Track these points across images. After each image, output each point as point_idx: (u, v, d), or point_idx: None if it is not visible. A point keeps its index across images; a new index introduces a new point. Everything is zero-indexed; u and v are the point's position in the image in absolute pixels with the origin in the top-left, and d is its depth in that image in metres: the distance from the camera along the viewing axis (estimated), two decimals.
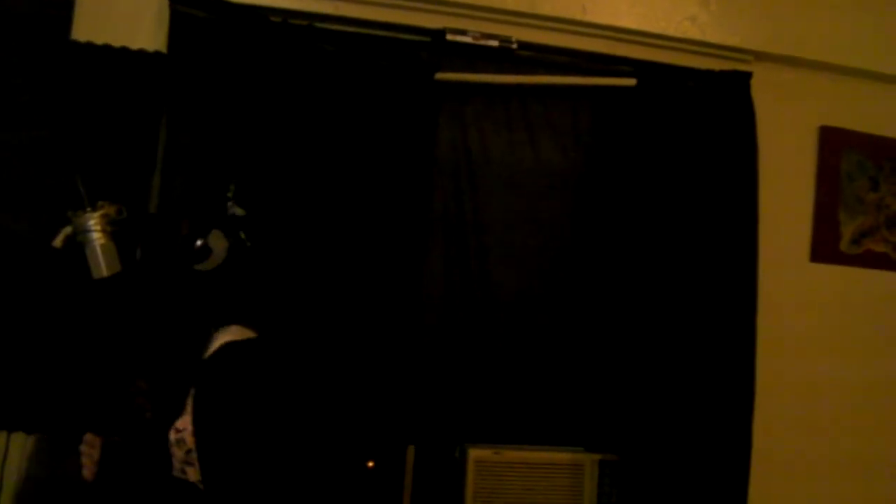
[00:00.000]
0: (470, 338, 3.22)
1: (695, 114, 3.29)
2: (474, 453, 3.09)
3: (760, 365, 3.31)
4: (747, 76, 3.35)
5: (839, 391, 3.55)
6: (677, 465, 3.18)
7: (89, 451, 2.06)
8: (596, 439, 3.24)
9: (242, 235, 2.23)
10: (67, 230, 2.53)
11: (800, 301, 3.52)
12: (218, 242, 2.15)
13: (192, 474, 2.01)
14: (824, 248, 3.56)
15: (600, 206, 3.32)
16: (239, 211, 2.23)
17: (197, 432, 2.01)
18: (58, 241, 2.51)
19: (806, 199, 3.56)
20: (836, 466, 3.52)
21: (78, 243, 2.50)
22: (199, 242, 2.13)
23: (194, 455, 2.02)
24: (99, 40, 2.86)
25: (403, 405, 3.06)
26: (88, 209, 2.52)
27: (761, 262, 3.33)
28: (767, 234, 3.36)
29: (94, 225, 2.53)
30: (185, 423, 2.06)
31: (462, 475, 3.08)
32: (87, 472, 2.05)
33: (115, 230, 2.59)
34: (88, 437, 2.08)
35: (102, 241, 2.51)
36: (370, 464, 2.99)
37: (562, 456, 3.16)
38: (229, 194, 2.23)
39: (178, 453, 2.04)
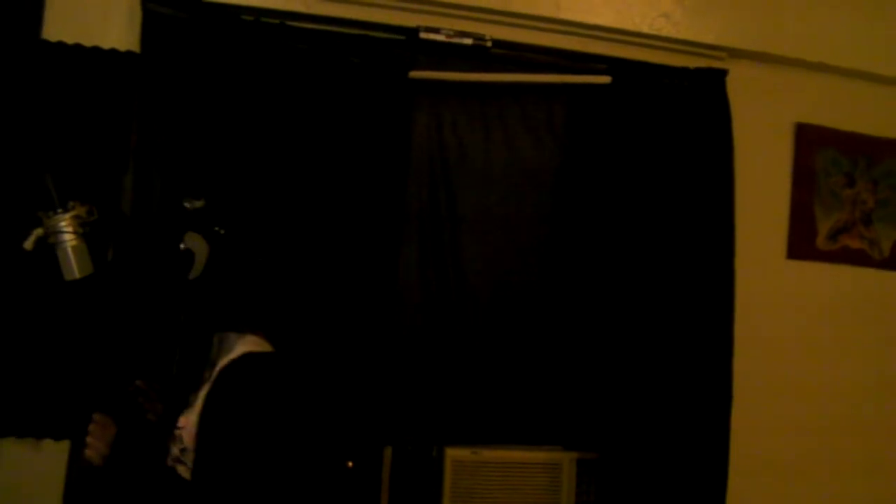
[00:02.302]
0: (446, 337, 3.21)
1: (670, 111, 3.29)
2: (452, 453, 3.09)
3: (738, 363, 3.31)
4: (722, 73, 3.35)
5: (815, 388, 3.57)
6: (656, 462, 3.18)
7: (101, 431, 2.02)
8: (574, 438, 3.24)
9: (217, 228, 2.16)
10: (38, 232, 2.50)
11: (777, 298, 3.53)
12: (196, 243, 2.09)
13: (183, 472, 1.99)
14: (801, 245, 3.56)
15: (576, 205, 3.31)
16: (197, 203, 2.15)
17: (200, 433, 1.97)
18: (28, 244, 2.48)
19: (782, 195, 3.57)
20: (812, 465, 3.54)
21: (49, 245, 2.47)
22: (181, 246, 2.08)
23: (188, 454, 2.00)
24: (70, 40, 2.84)
25: (380, 405, 3.04)
26: (59, 210, 2.50)
27: (738, 259, 3.33)
28: (744, 231, 3.36)
29: (65, 226, 2.50)
30: (185, 421, 2.03)
31: (440, 475, 3.08)
32: (94, 452, 2.01)
33: (86, 231, 2.57)
34: (98, 416, 2.04)
35: (74, 242, 2.48)
36: (349, 464, 2.98)
37: (540, 455, 3.16)
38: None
39: (173, 449, 2.02)
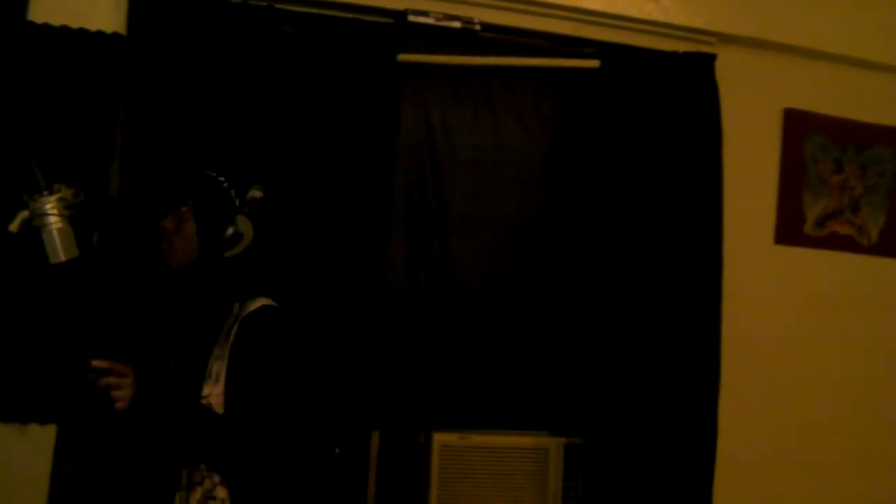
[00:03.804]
0: (434, 323, 3.21)
1: (659, 96, 3.29)
2: (439, 438, 3.08)
3: (724, 349, 3.32)
4: (711, 58, 3.35)
5: (801, 375, 3.59)
6: (643, 448, 3.19)
7: (120, 379, 2.04)
8: (561, 423, 3.24)
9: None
10: (24, 214, 2.48)
11: (764, 284, 3.53)
12: (245, 227, 2.16)
13: None
14: (788, 231, 3.57)
15: (565, 190, 3.31)
16: (257, 193, 2.22)
17: (230, 373, 2.07)
18: (14, 226, 2.46)
19: (770, 181, 3.57)
20: (800, 456, 3.56)
21: (34, 228, 2.46)
22: (230, 231, 2.14)
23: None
24: (56, 21, 2.82)
25: (368, 391, 3.04)
26: (45, 192, 2.48)
27: (726, 244, 3.34)
28: (732, 216, 3.37)
29: (50, 209, 2.49)
30: (210, 389, 2.10)
31: (427, 460, 3.07)
32: (124, 402, 2.03)
33: (72, 214, 2.56)
34: (110, 364, 2.05)
35: (60, 225, 2.46)
36: (336, 451, 2.97)
37: (527, 440, 3.16)
38: (223, 181, 2.22)
39: None
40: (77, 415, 2.71)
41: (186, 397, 2.09)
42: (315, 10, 3.06)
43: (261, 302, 2.17)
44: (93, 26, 2.85)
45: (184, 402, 2.07)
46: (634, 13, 3.34)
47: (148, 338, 2.66)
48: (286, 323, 2.16)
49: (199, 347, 2.18)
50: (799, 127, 3.58)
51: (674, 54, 3.34)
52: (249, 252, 2.17)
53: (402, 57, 3.10)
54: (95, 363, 2.05)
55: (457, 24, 3.15)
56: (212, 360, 2.13)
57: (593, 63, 3.28)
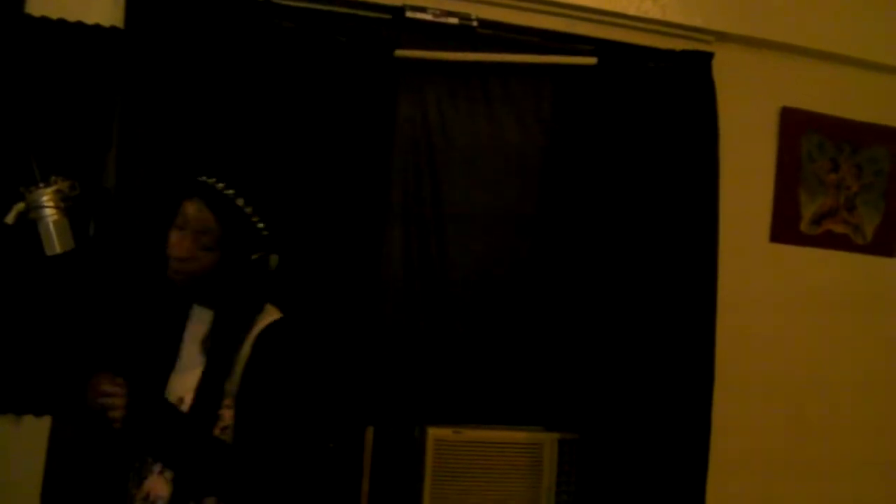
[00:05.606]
0: (429, 317, 3.20)
1: (656, 94, 3.29)
2: (434, 433, 3.08)
3: (720, 344, 3.33)
4: (708, 56, 3.35)
5: (795, 374, 3.60)
6: (637, 444, 3.19)
7: (112, 390, 2.01)
8: (556, 418, 3.24)
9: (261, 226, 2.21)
10: (20, 206, 2.50)
11: (759, 281, 3.53)
12: None
13: None
14: (784, 229, 3.57)
15: (561, 187, 3.31)
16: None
17: (243, 391, 2.04)
18: (10, 218, 2.48)
19: (766, 179, 3.57)
20: (793, 457, 3.57)
21: (30, 220, 2.47)
22: None
23: (229, 432, 2.04)
24: (54, 14, 2.82)
25: (362, 385, 3.04)
26: (41, 185, 2.49)
27: (721, 241, 3.34)
28: (728, 213, 3.36)
29: (46, 201, 2.51)
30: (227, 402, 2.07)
31: (421, 455, 3.08)
32: (118, 413, 2.01)
33: (68, 206, 2.56)
34: (104, 378, 2.03)
35: (55, 217, 2.48)
36: (330, 445, 2.98)
37: (521, 435, 3.16)
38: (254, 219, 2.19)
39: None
40: (73, 406, 2.71)
41: (192, 424, 2.05)
42: (313, 6, 3.05)
43: (271, 316, 2.15)
44: (90, 19, 2.86)
45: (189, 430, 2.03)
46: (632, 11, 3.33)
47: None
48: (301, 340, 2.14)
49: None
50: (796, 126, 3.59)
51: (671, 52, 3.34)
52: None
53: (399, 53, 3.10)
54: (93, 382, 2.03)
55: (454, 21, 3.15)
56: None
57: (590, 60, 3.27)
